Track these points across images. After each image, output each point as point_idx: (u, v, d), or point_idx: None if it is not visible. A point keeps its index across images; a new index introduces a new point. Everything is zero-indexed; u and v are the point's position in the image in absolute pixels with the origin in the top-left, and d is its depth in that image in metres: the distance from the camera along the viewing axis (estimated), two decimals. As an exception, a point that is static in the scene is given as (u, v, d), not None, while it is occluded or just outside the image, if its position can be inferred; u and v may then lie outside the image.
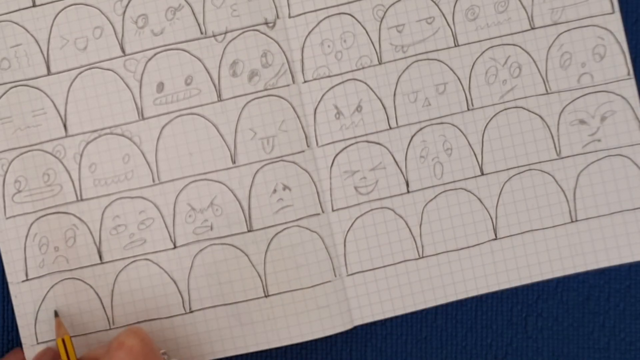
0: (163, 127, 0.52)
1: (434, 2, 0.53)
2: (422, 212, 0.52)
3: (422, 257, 0.52)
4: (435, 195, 0.52)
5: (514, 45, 0.53)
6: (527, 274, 0.52)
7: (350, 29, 0.52)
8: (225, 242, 0.51)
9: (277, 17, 0.52)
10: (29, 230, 0.51)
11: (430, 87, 0.53)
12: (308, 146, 0.52)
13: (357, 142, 0.52)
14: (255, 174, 0.52)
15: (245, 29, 0.52)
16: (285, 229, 0.51)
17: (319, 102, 0.52)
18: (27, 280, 0.51)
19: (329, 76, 0.52)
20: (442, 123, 0.53)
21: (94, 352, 0.47)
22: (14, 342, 0.52)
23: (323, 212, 0.52)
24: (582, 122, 0.53)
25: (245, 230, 0.51)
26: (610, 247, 0.52)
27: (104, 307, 0.51)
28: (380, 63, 0.53)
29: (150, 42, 0.52)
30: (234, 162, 0.52)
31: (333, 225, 0.52)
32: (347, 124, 0.52)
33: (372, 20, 0.53)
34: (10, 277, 0.51)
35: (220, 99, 0.52)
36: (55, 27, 0.51)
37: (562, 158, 0.53)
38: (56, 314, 0.50)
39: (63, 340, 0.47)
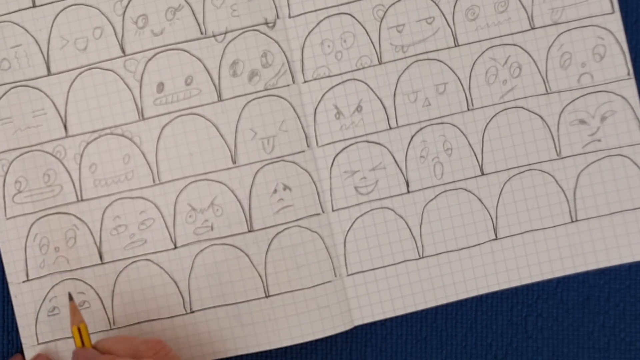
0: (163, 127, 0.52)
1: (434, 2, 0.53)
2: (422, 212, 0.52)
3: (422, 257, 0.52)
4: (435, 195, 0.53)
5: (514, 45, 0.53)
6: (527, 274, 0.52)
7: (350, 29, 0.52)
8: (225, 242, 0.51)
9: (277, 17, 0.52)
10: (29, 230, 0.51)
11: (430, 87, 0.53)
12: (308, 146, 0.52)
13: (357, 142, 0.52)
14: (256, 174, 0.52)
15: (245, 29, 0.52)
16: (285, 229, 0.51)
17: (319, 102, 0.52)
18: (27, 280, 0.51)
19: (329, 76, 0.52)
20: (442, 123, 0.53)
21: (109, 343, 0.47)
22: (14, 342, 0.52)
23: (323, 212, 0.52)
24: (582, 122, 0.53)
25: (246, 230, 0.51)
26: (610, 247, 0.52)
27: (104, 308, 0.51)
28: (380, 63, 0.52)
29: (150, 42, 0.52)
30: (234, 162, 0.52)
31: (333, 225, 0.52)
32: (347, 124, 0.52)
33: (372, 20, 0.52)
34: (10, 278, 0.51)
35: (220, 99, 0.52)
36: (55, 28, 0.51)
37: (562, 158, 0.53)
38: (70, 297, 0.50)
39: (79, 330, 0.47)
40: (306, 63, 0.52)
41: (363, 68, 0.52)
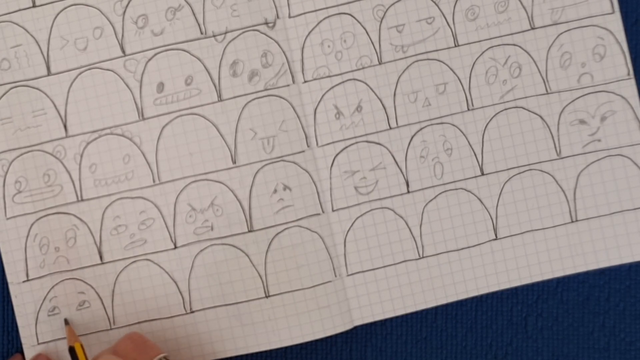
0: (163, 127, 0.52)
1: (434, 2, 0.53)
2: (422, 212, 0.52)
3: (422, 257, 0.52)
4: (435, 195, 0.53)
5: (514, 45, 0.53)
6: (527, 274, 0.52)
7: (350, 29, 0.52)
8: (225, 242, 0.51)
9: (277, 17, 0.52)
10: (29, 230, 0.51)
11: (430, 87, 0.53)
12: (308, 146, 0.52)
13: (357, 142, 0.52)
14: (256, 174, 0.52)
15: (245, 29, 0.52)
16: (285, 229, 0.51)
17: (319, 102, 0.52)
18: (27, 280, 0.51)
19: (329, 76, 0.52)
20: (442, 123, 0.53)
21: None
22: (15, 342, 0.52)
23: (323, 212, 0.52)
24: (582, 122, 0.53)
25: (246, 230, 0.51)
26: (610, 247, 0.52)
27: (104, 307, 0.51)
28: (380, 63, 0.52)
29: (150, 42, 0.52)
30: (234, 162, 0.52)
31: (333, 225, 0.52)
32: (347, 124, 0.52)
33: (372, 20, 0.52)
34: (10, 278, 0.51)
35: (220, 99, 0.52)
36: (55, 28, 0.51)
37: (562, 158, 0.53)
38: (66, 322, 0.50)
39: (74, 348, 0.47)
40: (306, 63, 0.52)
41: (363, 68, 0.52)
